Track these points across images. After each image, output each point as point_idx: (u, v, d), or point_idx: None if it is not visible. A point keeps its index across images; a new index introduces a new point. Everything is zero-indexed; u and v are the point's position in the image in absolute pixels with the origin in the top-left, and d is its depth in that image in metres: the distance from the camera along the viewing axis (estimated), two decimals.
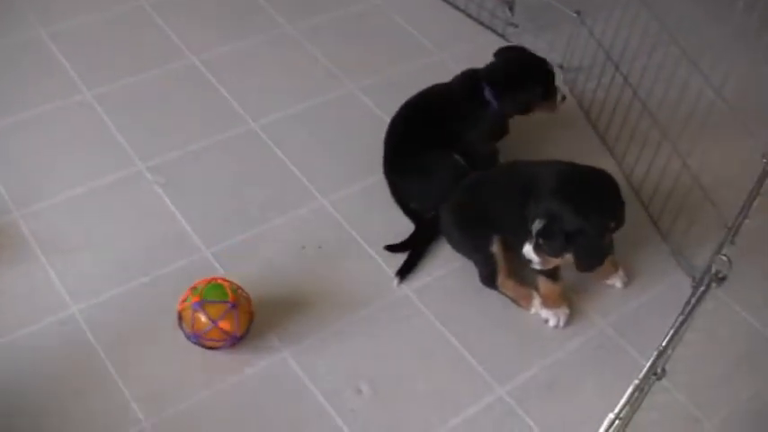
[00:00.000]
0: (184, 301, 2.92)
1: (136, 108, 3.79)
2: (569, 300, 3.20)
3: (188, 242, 3.31)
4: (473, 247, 3.24)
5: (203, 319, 2.87)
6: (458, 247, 3.29)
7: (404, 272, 3.25)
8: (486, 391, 2.98)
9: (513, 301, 3.21)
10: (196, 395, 2.89)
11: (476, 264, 3.25)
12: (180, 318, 2.93)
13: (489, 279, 3.21)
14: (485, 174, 3.34)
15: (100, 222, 3.35)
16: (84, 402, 2.84)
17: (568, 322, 3.17)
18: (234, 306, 2.88)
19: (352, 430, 2.84)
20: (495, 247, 3.18)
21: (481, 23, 4.35)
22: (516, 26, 4.24)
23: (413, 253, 3.30)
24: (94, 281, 3.15)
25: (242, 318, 2.92)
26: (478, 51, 3.73)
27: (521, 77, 3.45)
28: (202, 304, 2.87)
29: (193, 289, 2.92)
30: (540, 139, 3.69)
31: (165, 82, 3.92)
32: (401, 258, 3.29)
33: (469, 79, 3.49)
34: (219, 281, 2.95)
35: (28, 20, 4.13)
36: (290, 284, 3.20)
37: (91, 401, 2.85)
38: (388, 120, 3.60)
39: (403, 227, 3.38)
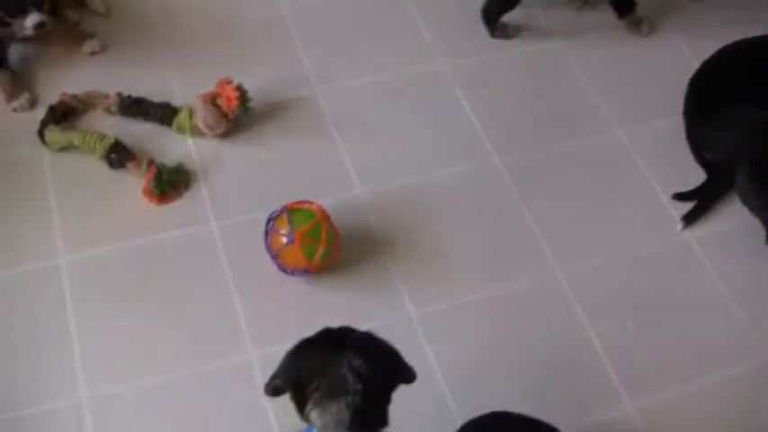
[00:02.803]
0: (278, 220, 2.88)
1: (445, 5, 3.79)
2: None
3: (478, 146, 3.34)
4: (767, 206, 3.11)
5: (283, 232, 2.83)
6: (750, 204, 3.17)
7: (690, 219, 3.17)
8: (751, 356, 2.89)
9: None
10: (458, 299, 2.93)
11: (765, 224, 3.12)
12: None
13: None
14: None
15: (395, 112, 3.42)
16: None
17: None
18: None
19: (613, 363, 2.83)
20: None
21: None
22: None
23: (701, 202, 3.21)
24: (380, 168, 3.24)
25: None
26: None
27: None
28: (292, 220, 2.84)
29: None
30: None
31: None
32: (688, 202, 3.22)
33: None
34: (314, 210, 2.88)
35: None
36: (571, 206, 3.20)
37: None
38: (694, 62, 3.49)
39: (695, 173, 3.29)
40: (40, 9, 3.17)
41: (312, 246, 2.82)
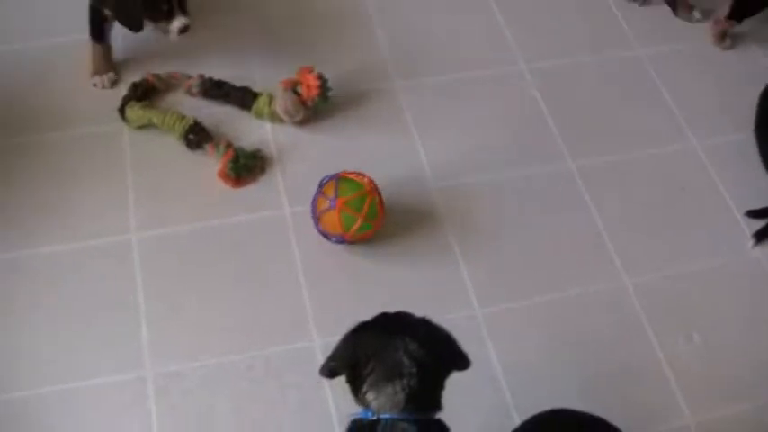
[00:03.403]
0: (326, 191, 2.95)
1: (527, 7, 3.82)
2: None
3: (552, 148, 3.35)
4: None
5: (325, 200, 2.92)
6: None
7: (761, 236, 3.14)
8: None
9: None
10: (525, 299, 2.94)
11: None
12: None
13: None
14: None
15: (472, 108, 3.43)
16: None
17: None
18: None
19: (676, 374, 2.82)
20: None
21: None
22: None
23: None
24: (454, 164, 3.26)
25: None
26: None
27: None
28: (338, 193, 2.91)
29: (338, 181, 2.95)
30: None
31: None
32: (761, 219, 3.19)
33: None
34: (363, 182, 2.95)
35: None
36: (642, 215, 3.19)
37: None
38: None
39: None
40: (185, 11, 3.13)
41: (351, 216, 2.89)
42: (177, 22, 3.08)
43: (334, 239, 2.95)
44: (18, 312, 2.81)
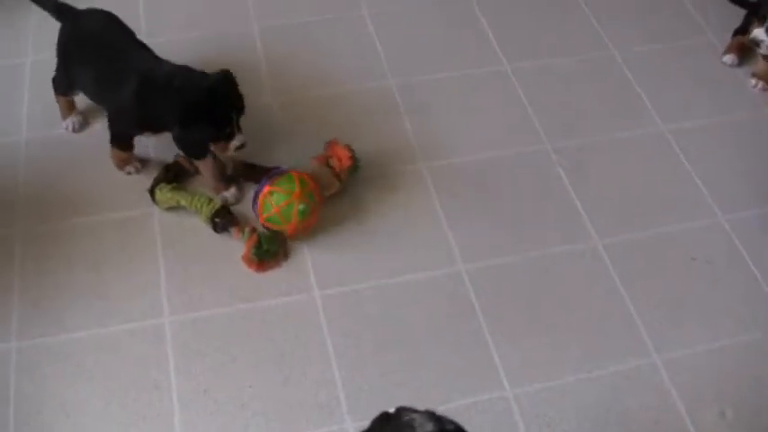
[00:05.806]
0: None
1: (549, 86, 3.87)
2: None
3: (582, 230, 3.35)
4: None
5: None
6: None
7: None
8: None
9: None
10: (557, 378, 2.95)
11: None
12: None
13: None
14: None
15: (501, 190, 3.47)
16: None
17: None
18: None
19: None
20: None
21: None
22: None
23: None
24: (486, 246, 3.28)
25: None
26: None
27: None
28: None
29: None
30: None
31: (583, 68, 3.96)
32: None
33: None
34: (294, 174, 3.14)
35: None
36: (672, 293, 3.18)
37: None
38: None
39: None
40: (241, 130, 3.20)
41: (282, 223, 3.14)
42: (236, 141, 3.17)
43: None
44: (50, 396, 2.83)
